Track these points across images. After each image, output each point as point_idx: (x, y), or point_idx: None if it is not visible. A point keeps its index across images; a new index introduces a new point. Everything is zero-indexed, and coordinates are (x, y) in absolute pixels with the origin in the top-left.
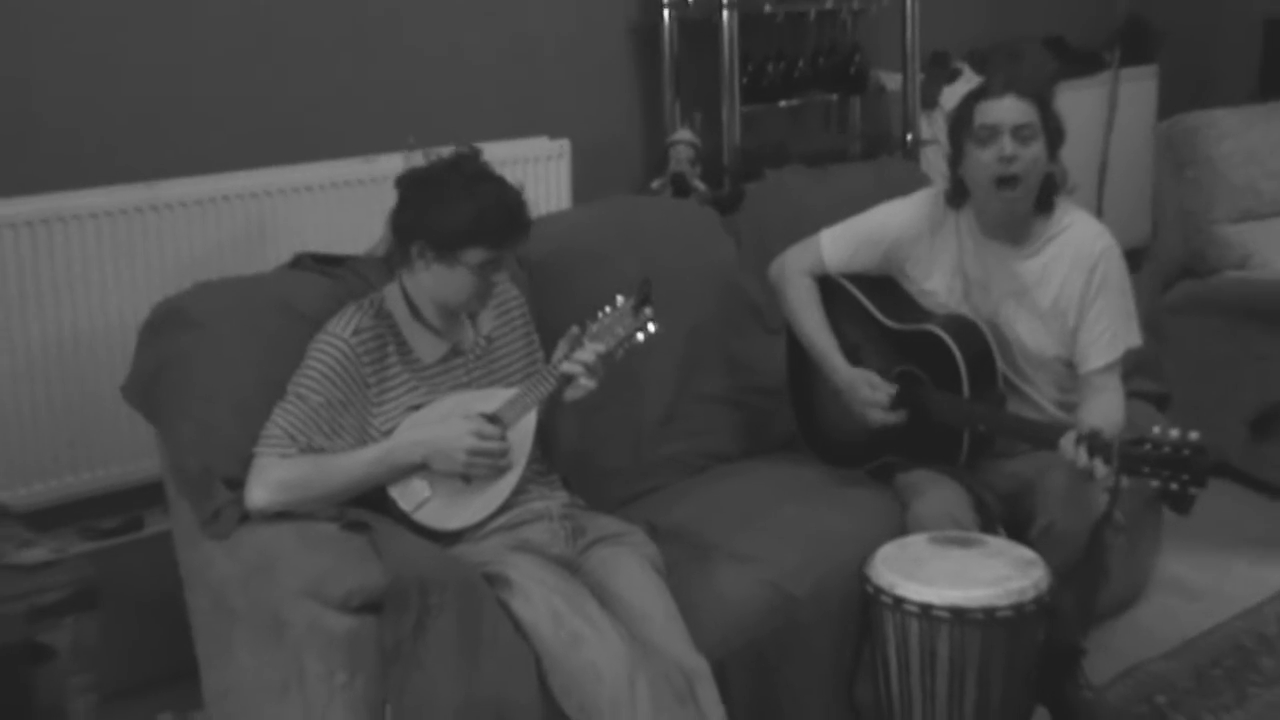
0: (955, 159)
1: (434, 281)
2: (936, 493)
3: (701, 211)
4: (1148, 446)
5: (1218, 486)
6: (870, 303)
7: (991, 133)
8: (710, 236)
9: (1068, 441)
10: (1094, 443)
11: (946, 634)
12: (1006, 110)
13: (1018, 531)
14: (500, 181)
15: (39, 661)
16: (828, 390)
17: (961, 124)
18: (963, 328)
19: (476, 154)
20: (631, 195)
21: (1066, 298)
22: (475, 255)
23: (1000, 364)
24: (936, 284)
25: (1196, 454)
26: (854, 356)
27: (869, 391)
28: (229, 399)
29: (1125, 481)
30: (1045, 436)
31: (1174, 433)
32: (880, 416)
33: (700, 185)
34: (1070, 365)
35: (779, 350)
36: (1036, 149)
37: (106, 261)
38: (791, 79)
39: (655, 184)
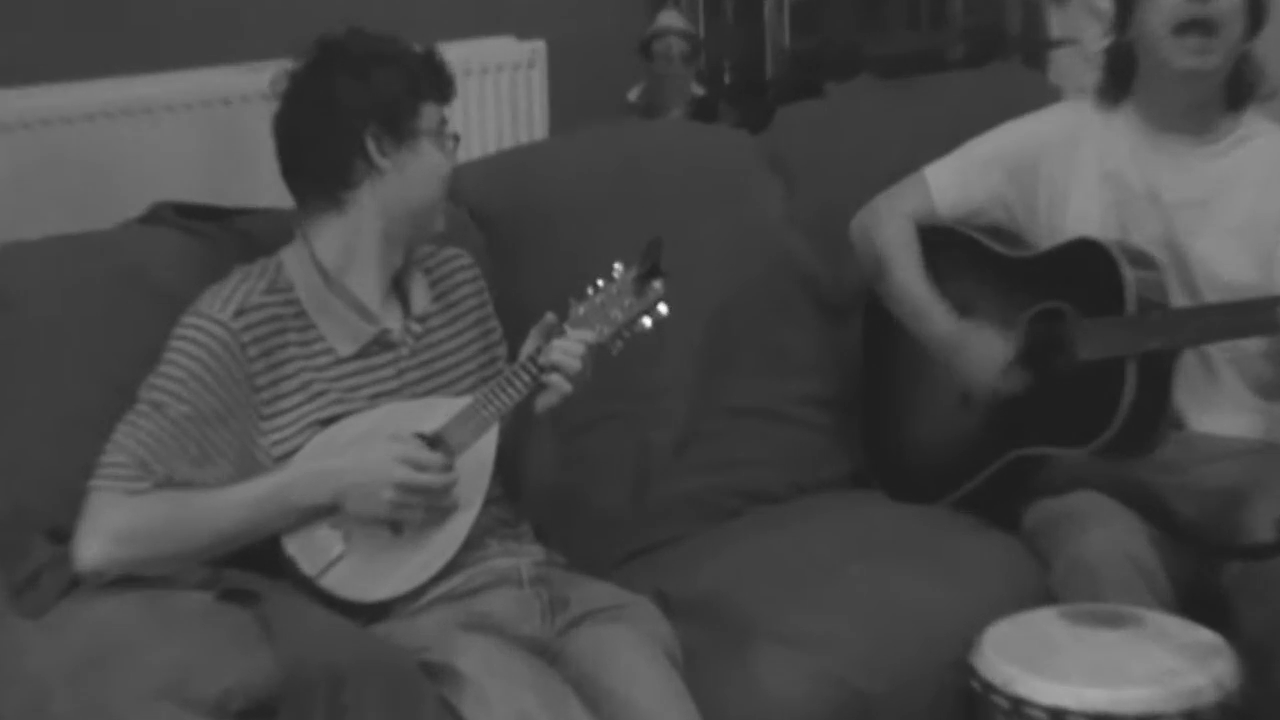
0: (1122, 21)
1: (403, 181)
2: (1105, 526)
3: (734, 141)
4: None
5: None
6: (991, 241)
7: None
8: (748, 179)
9: None
10: None
11: None
12: None
13: (1210, 573)
14: (393, 36)
15: None
16: (923, 381)
17: None
18: (1123, 244)
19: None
20: (632, 119)
21: (1265, 211)
22: (431, 115)
23: (1173, 292)
24: (1079, 204)
25: None
26: (969, 313)
27: (984, 346)
28: (50, 411)
29: None
30: (1260, 317)
31: None
32: (995, 377)
33: (699, 89)
34: None
35: (848, 341)
36: (1237, 1)
37: None
38: None
39: (633, 94)
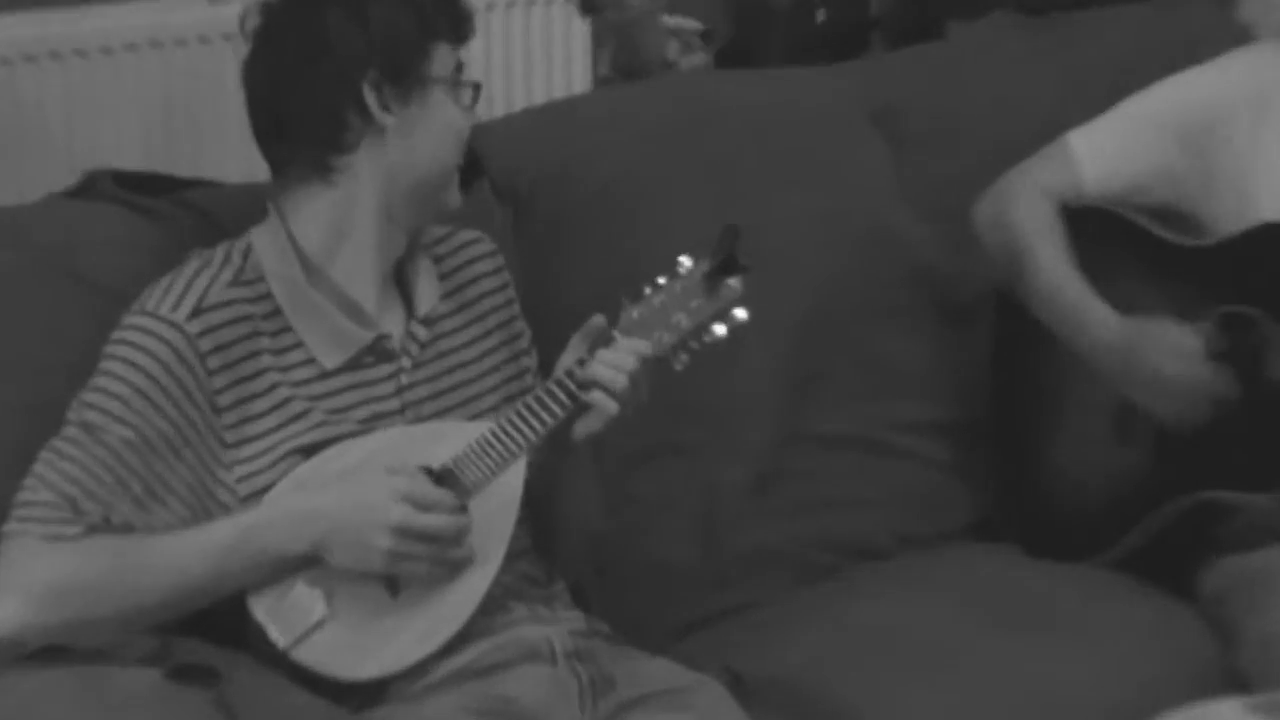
0: None
1: (409, 143)
2: None
3: (832, 96)
4: None
5: None
6: (1155, 226)
7: None
8: (848, 144)
9: None
10: None
11: None
12: None
13: None
14: None
15: None
16: (1071, 402)
17: None
18: None
19: None
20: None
21: None
22: (444, 58)
23: None
24: (1271, 178)
25: None
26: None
27: (1172, 339)
28: None
29: None
30: None
31: None
32: (1195, 371)
33: (688, 23)
34: None
35: (973, 351)
36: None
37: None
38: None
39: (602, 67)
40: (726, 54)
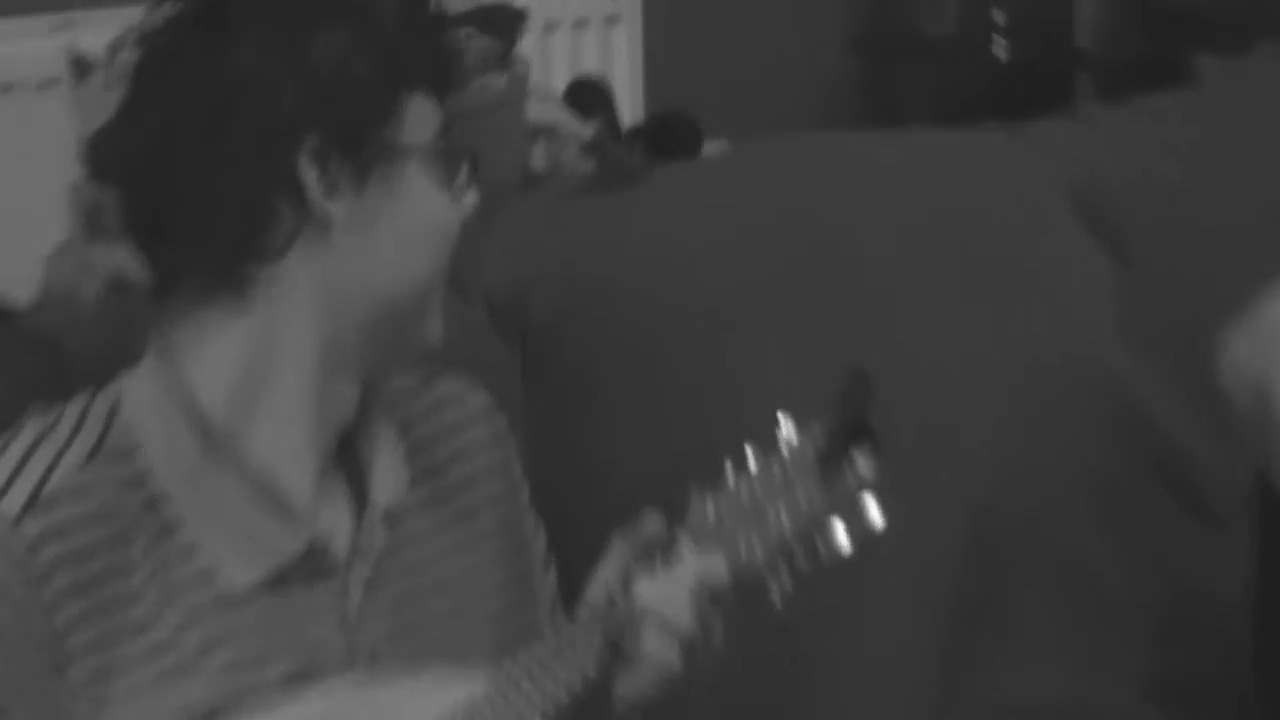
0: None
1: (368, 246)
2: None
3: (1019, 171)
4: None
5: None
6: None
7: None
8: (1039, 243)
9: None
10: None
11: None
12: None
13: None
14: None
15: None
16: None
17: None
18: None
19: None
20: (811, 128)
21: None
22: (422, 118)
23: None
24: None
25: None
26: None
27: None
28: None
29: None
30: None
31: None
32: None
33: (561, 118)
34: None
35: (1231, 568)
36: None
37: None
38: None
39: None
40: (856, 108)
